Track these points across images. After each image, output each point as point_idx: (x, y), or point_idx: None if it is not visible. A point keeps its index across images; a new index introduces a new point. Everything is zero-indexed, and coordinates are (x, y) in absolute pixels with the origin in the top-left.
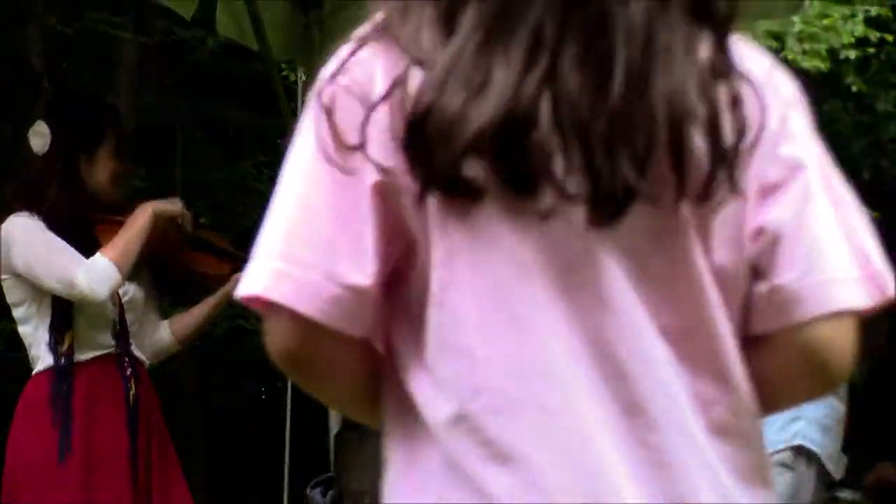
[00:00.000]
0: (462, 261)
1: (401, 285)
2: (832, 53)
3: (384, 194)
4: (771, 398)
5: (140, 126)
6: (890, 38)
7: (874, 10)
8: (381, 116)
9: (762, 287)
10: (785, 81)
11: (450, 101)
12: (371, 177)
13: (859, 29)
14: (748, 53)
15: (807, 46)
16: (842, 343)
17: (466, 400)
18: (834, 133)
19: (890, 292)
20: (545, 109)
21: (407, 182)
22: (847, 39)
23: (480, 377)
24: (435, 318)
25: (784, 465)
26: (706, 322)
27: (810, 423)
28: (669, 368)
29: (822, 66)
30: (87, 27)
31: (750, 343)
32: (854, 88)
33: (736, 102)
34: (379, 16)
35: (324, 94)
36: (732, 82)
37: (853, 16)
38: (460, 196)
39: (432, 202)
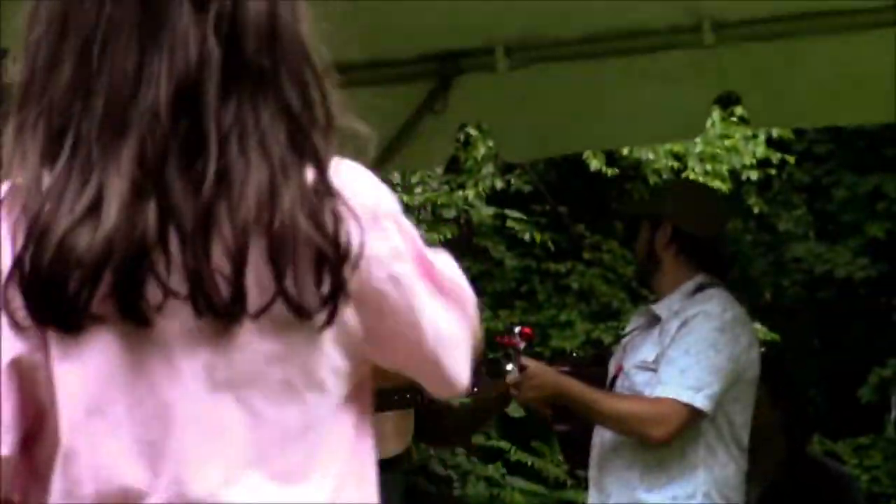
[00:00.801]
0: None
1: (32, 447)
2: (734, 174)
3: (20, 370)
4: None
5: None
6: (791, 159)
7: (775, 132)
8: (12, 291)
9: None
10: (381, 197)
11: (62, 233)
12: (7, 354)
13: (760, 150)
14: (349, 175)
15: (708, 167)
16: None
17: None
18: (736, 253)
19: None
20: (153, 230)
21: (40, 357)
22: (749, 160)
23: None
24: (57, 484)
25: None
26: (320, 461)
27: None
28: None
29: (723, 186)
30: None
31: None
32: (756, 209)
33: (339, 225)
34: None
35: None
36: (335, 206)
37: (755, 136)
38: (82, 334)
39: (60, 364)
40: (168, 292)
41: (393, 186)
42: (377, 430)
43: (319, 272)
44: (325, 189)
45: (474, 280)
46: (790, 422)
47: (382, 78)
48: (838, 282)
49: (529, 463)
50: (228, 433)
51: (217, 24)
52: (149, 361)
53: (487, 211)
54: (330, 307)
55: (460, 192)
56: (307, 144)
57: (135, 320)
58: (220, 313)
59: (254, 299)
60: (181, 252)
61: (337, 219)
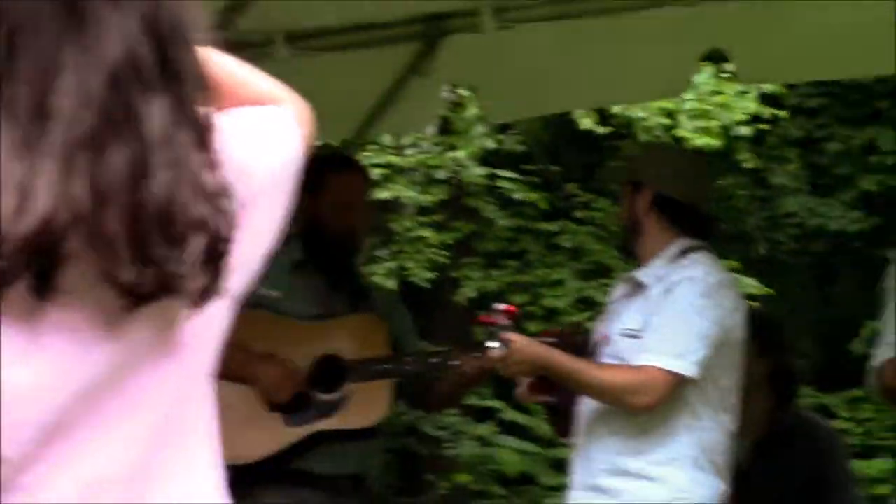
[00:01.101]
0: None
1: None
2: (726, 130)
3: None
4: None
5: None
6: (783, 113)
7: (768, 88)
8: None
9: None
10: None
11: None
12: None
13: (752, 105)
14: (238, 136)
15: (700, 123)
16: None
17: None
18: (730, 208)
19: None
20: (82, 210)
21: None
22: (740, 116)
23: None
24: None
25: None
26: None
27: None
28: None
29: (715, 142)
30: None
31: None
32: (749, 164)
33: (223, 216)
34: None
35: None
36: (223, 198)
37: (746, 92)
38: None
39: None
40: (84, 272)
41: (383, 149)
42: (363, 399)
43: (202, 258)
44: (216, 181)
45: (466, 241)
46: (776, 373)
47: (369, 40)
48: (831, 235)
49: (522, 422)
50: (127, 411)
51: (139, 20)
52: (51, 339)
53: (479, 171)
54: (207, 292)
55: (452, 154)
56: (206, 137)
57: (42, 297)
58: (131, 294)
59: (156, 281)
60: (101, 233)
61: (223, 209)
